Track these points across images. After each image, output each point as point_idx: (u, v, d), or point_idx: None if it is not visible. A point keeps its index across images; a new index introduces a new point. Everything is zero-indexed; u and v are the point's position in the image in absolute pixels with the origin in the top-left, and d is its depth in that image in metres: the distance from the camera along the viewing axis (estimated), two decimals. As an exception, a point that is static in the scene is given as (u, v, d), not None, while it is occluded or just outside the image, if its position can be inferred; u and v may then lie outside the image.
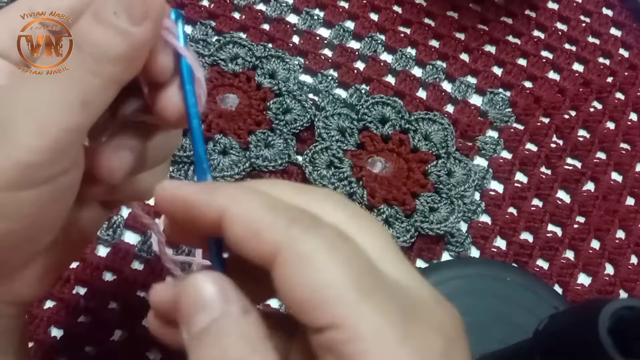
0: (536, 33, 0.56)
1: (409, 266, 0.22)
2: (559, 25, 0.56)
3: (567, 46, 0.55)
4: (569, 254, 0.47)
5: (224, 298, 0.20)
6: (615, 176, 0.50)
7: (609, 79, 0.54)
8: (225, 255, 0.23)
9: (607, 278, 0.46)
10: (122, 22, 0.21)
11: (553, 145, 0.50)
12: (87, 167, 0.24)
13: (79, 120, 0.21)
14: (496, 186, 0.48)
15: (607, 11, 0.57)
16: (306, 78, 0.51)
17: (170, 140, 0.28)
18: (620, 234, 0.48)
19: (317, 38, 0.52)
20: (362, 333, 0.19)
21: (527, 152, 0.50)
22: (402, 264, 0.22)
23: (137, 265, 0.42)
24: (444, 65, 0.53)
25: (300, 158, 0.46)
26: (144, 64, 0.23)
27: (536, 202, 0.48)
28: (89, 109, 0.22)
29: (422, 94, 0.51)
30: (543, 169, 0.49)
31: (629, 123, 0.52)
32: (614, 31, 0.56)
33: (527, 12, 0.56)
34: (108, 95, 0.22)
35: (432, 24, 0.54)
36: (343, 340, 0.19)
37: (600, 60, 0.55)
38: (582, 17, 0.57)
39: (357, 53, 0.52)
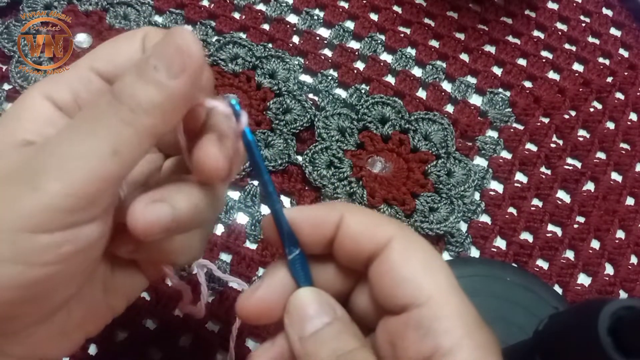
0: (536, 33, 0.56)
1: None
2: (559, 25, 0.56)
3: (566, 46, 0.55)
4: (569, 254, 0.47)
5: (331, 306, 0.25)
6: (615, 176, 0.50)
7: (609, 79, 0.54)
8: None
9: (607, 278, 0.46)
10: (160, 76, 0.22)
11: (553, 145, 0.50)
12: (121, 219, 0.24)
13: (109, 169, 0.22)
14: (496, 186, 0.48)
15: (607, 11, 0.57)
16: (306, 78, 0.51)
17: (214, 202, 0.27)
18: (620, 234, 0.48)
19: (317, 38, 0.52)
20: (451, 313, 0.23)
21: (526, 152, 0.50)
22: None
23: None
24: (444, 65, 0.53)
25: (300, 158, 0.46)
26: (182, 118, 0.24)
27: (536, 202, 0.48)
28: (121, 159, 0.22)
29: (422, 94, 0.51)
30: (543, 169, 0.49)
31: (629, 123, 0.52)
32: (613, 31, 0.57)
33: (526, 12, 0.56)
34: (142, 147, 0.23)
35: (432, 24, 0.54)
36: (432, 316, 0.23)
37: (600, 60, 0.55)
38: (581, 17, 0.57)
39: (357, 53, 0.52)
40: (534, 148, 0.50)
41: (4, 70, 0.47)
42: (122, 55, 0.25)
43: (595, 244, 0.47)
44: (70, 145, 0.22)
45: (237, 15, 0.53)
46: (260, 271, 0.43)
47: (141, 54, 0.25)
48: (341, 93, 0.50)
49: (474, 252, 0.46)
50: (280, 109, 0.48)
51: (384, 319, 0.25)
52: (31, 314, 0.24)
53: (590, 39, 0.56)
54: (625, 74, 0.54)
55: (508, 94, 0.52)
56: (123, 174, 0.23)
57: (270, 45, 0.51)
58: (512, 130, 0.50)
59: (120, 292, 0.28)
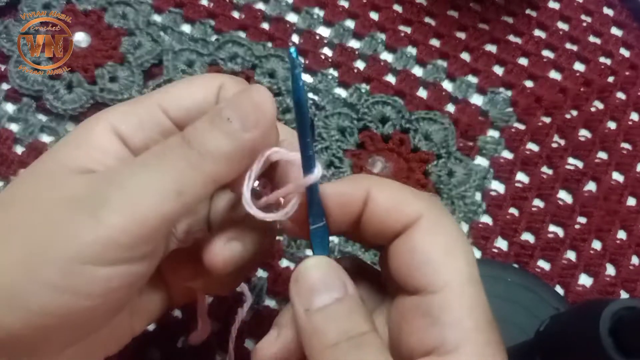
0: (537, 32, 0.55)
1: None
2: (560, 25, 0.56)
3: (568, 46, 0.55)
4: (570, 255, 0.47)
5: (342, 281, 0.24)
6: (617, 176, 0.50)
7: (610, 79, 0.54)
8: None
9: (608, 279, 0.46)
10: (233, 127, 0.23)
11: (554, 145, 0.50)
12: (198, 254, 0.25)
13: (171, 209, 0.23)
14: (497, 186, 0.48)
15: (607, 11, 0.57)
16: (306, 77, 0.51)
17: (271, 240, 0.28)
18: (622, 235, 0.48)
19: (317, 37, 0.52)
20: (462, 306, 0.22)
21: (528, 152, 0.49)
22: None
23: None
24: (445, 64, 0.52)
25: (300, 158, 0.46)
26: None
27: (537, 202, 0.48)
28: (183, 200, 0.23)
29: (422, 93, 0.51)
30: (544, 169, 0.49)
31: (630, 123, 0.52)
32: (614, 31, 0.56)
33: (527, 11, 0.56)
34: (204, 191, 0.23)
35: (433, 23, 0.54)
36: (443, 306, 0.22)
37: (602, 60, 0.55)
38: (583, 17, 0.56)
39: (357, 52, 0.52)
40: (535, 148, 0.50)
41: (3, 70, 0.47)
42: (195, 100, 0.26)
43: (596, 245, 0.47)
44: (136, 180, 0.22)
45: (236, 14, 0.53)
46: (260, 272, 0.43)
47: (215, 102, 0.26)
48: (341, 92, 0.50)
49: (475, 253, 0.46)
50: (280, 109, 0.47)
51: (395, 298, 0.24)
52: (64, 340, 0.24)
53: (592, 39, 0.56)
54: (627, 73, 0.54)
55: (509, 93, 0.52)
56: (181, 215, 0.23)
57: (269, 44, 0.51)
58: (513, 130, 0.50)
59: (144, 315, 0.29)
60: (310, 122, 0.24)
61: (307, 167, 0.24)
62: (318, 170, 0.24)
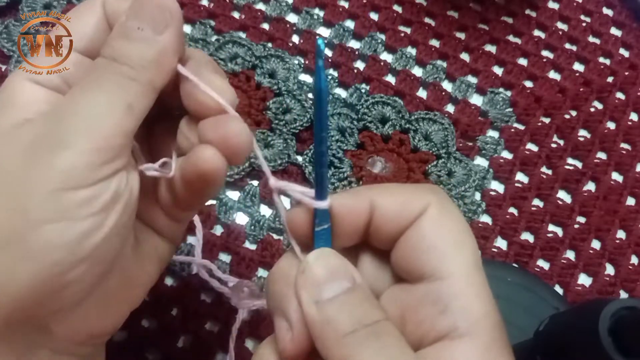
0: (537, 33, 0.55)
1: None
2: (560, 25, 0.56)
3: (567, 46, 0.55)
4: (570, 254, 0.47)
5: (350, 272, 0.23)
6: (616, 176, 0.50)
7: (610, 79, 0.54)
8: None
9: (608, 278, 0.46)
10: (147, 34, 0.25)
11: (554, 145, 0.50)
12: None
13: (128, 123, 0.24)
14: (497, 186, 0.48)
15: (607, 11, 0.57)
16: (306, 78, 0.51)
17: None
18: (621, 234, 0.48)
19: (317, 37, 0.52)
20: (472, 292, 0.23)
21: (527, 152, 0.50)
22: None
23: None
24: (445, 64, 0.53)
25: (300, 158, 0.46)
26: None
27: (537, 202, 0.48)
28: (134, 112, 0.24)
29: (422, 93, 0.51)
30: (544, 169, 0.49)
31: (630, 123, 0.52)
32: (614, 31, 0.56)
33: (527, 11, 0.56)
34: (148, 99, 0.25)
35: (433, 23, 0.54)
36: (453, 293, 0.22)
37: (601, 60, 0.55)
38: (582, 17, 0.56)
39: (357, 52, 0.52)
40: (534, 148, 0.50)
41: (3, 70, 0.47)
42: (90, 27, 0.27)
43: (596, 244, 0.47)
44: (85, 106, 0.23)
45: (236, 15, 0.53)
46: (260, 271, 0.43)
47: (104, 21, 0.27)
48: (341, 93, 0.50)
49: (475, 252, 0.46)
50: (280, 109, 0.47)
51: (392, 288, 0.25)
52: (78, 284, 0.23)
53: (591, 39, 0.56)
54: (626, 73, 0.54)
55: (509, 93, 0.52)
56: (136, 126, 0.24)
57: (269, 44, 0.51)
58: (512, 130, 0.50)
59: (152, 258, 0.29)
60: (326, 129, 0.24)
61: (320, 195, 0.24)
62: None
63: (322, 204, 0.24)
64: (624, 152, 0.51)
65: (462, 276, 0.23)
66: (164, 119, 0.29)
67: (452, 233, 0.24)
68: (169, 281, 0.42)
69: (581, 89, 0.53)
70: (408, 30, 0.54)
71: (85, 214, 0.23)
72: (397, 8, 0.55)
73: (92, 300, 0.25)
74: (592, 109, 0.52)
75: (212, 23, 0.52)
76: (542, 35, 0.55)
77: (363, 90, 0.50)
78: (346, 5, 0.54)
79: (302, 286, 0.23)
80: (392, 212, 0.24)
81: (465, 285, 0.23)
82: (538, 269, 0.46)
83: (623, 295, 0.46)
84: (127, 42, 0.25)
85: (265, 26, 0.53)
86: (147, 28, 0.25)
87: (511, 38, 0.55)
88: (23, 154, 0.23)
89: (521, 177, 0.49)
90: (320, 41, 0.22)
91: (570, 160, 0.50)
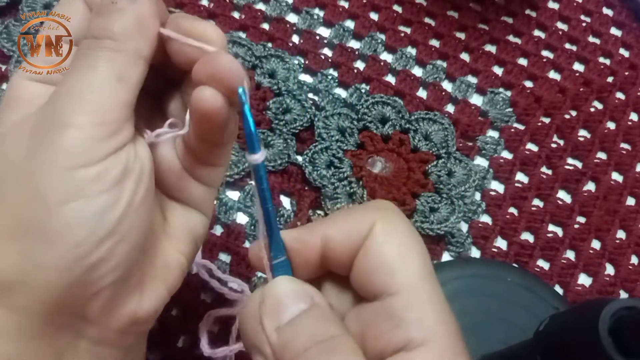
0: (537, 33, 0.55)
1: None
2: (560, 25, 0.56)
3: (567, 46, 0.55)
4: (570, 254, 0.47)
5: (308, 293, 0.24)
6: (616, 176, 0.50)
7: (610, 79, 0.54)
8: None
9: (608, 278, 0.46)
10: (121, 4, 0.25)
11: (554, 145, 0.50)
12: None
13: (120, 94, 0.24)
14: (497, 186, 0.48)
15: (607, 11, 0.57)
16: (306, 78, 0.51)
17: None
18: (621, 234, 0.48)
19: (317, 37, 0.52)
20: (422, 302, 0.23)
21: (527, 152, 0.50)
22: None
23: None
24: (445, 64, 0.53)
25: (300, 158, 0.46)
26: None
27: (537, 202, 0.48)
28: (127, 84, 0.24)
29: (422, 93, 0.51)
30: (544, 169, 0.49)
31: (630, 123, 0.52)
32: (614, 31, 0.56)
33: (527, 11, 0.56)
34: (138, 68, 0.25)
35: (433, 23, 0.54)
36: (404, 306, 0.23)
37: (601, 60, 0.55)
38: (582, 17, 0.56)
39: (357, 52, 0.52)
40: (534, 148, 0.50)
41: (3, 70, 0.47)
42: (76, 21, 0.27)
43: (595, 244, 0.47)
44: (80, 84, 0.24)
45: (236, 15, 0.53)
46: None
47: (88, 12, 0.27)
48: (341, 93, 0.50)
49: (475, 253, 0.46)
50: (280, 109, 0.47)
51: (355, 308, 0.25)
52: (108, 258, 0.24)
53: (591, 39, 0.56)
54: (626, 73, 0.54)
55: (509, 93, 0.52)
56: (133, 97, 0.25)
57: (269, 44, 0.51)
58: (512, 130, 0.50)
59: (181, 235, 0.29)
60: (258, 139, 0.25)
61: (253, 148, 0.24)
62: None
63: (255, 157, 0.24)
64: (623, 152, 0.51)
65: (412, 288, 0.23)
66: (170, 92, 0.30)
67: (396, 248, 0.24)
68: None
69: (581, 89, 0.53)
70: (408, 30, 0.54)
71: (99, 190, 0.23)
72: (397, 8, 0.55)
73: (128, 282, 0.25)
74: (592, 109, 0.52)
75: (212, 23, 0.52)
76: (542, 35, 0.55)
77: (363, 90, 0.50)
78: (346, 5, 0.54)
79: (264, 314, 0.24)
80: (342, 240, 0.25)
81: (416, 296, 0.23)
82: (538, 269, 0.46)
83: (623, 295, 0.46)
84: (105, 17, 0.25)
85: (265, 26, 0.53)
86: (120, 0, 0.25)
87: (511, 38, 0.55)
88: (27, 142, 0.23)
89: (521, 177, 0.49)
90: (241, 90, 0.24)
91: (570, 160, 0.50)
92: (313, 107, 0.48)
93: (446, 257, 0.45)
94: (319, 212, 0.45)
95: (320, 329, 0.23)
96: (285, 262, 0.25)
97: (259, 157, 0.24)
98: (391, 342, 0.23)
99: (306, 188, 0.46)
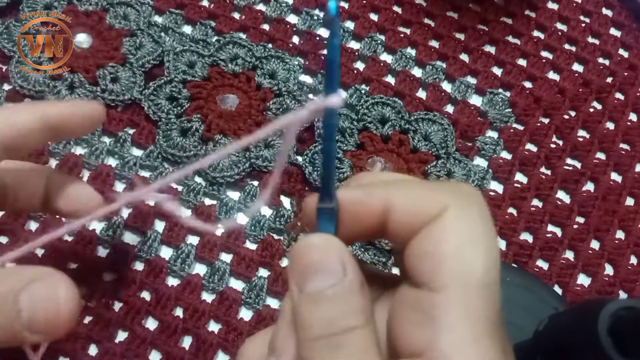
0: (536, 33, 0.56)
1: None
2: (559, 26, 0.56)
3: (566, 46, 0.55)
4: (569, 255, 0.47)
5: (344, 266, 0.21)
6: (615, 176, 0.50)
7: (609, 80, 0.54)
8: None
9: (607, 278, 0.46)
10: (22, 323, 0.25)
11: (553, 146, 0.50)
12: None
13: None
14: (496, 186, 0.48)
15: (606, 11, 0.57)
16: (306, 78, 0.51)
17: None
18: (620, 234, 0.48)
19: (317, 38, 0.52)
20: (462, 312, 0.20)
21: (526, 153, 0.50)
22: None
23: (137, 266, 0.42)
24: (444, 65, 0.53)
25: (300, 158, 0.46)
26: None
27: (536, 202, 0.48)
28: None
29: (421, 94, 0.51)
30: (543, 170, 0.49)
31: (629, 123, 0.52)
32: (613, 31, 0.57)
33: (526, 12, 0.56)
34: None
35: (432, 24, 0.54)
36: (440, 307, 0.20)
37: (600, 60, 0.55)
38: (581, 18, 0.57)
39: (356, 53, 0.52)
40: (533, 148, 0.50)
41: (3, 70, 0.47)
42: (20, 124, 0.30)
43: (595, 244, 0.47)
44: None
45: (236, 16, 0.53)
46: (261, 271, 0.43)
47: (39, 123, 0.30)
48: (341, 93, 0.50)
49: (474, 253, 0.46)
50: (280, 109, 0.48)
51: (402, 286, 0.22)
52: None
53: (590, 39, 0.56)
54: (625, 74, 0.54)
55: (508, 94, 0.52)
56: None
57: (270, 45, 0.51)
58: (512, 130, 0.50)
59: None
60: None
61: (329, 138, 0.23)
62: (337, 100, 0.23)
63: (334, 99, 0.22)
64: (623, 152, 0.51)
65: (457, 291, 0.20)
66: None
67: (460, 242, 0.21)
68: (169, 281, 0.42)
69: (580, 90, 0.53)
70: (408, 31, 0.54)
71: None
72: (397, 9, 0.55)
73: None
74: (591, 110, 0.52)
75: (213, 24, 0.52)
76: (542, 35, 0.55)
77: (363, 91, 0.50)
78: (346, 6, 0.54)
79: (291, 271, 0.22)
80: (407, 214, 0.22)
81: (458, 302, 0.20)
82: (537, 269, 0.46)
83: (622, 295, 0.46)
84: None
85: (266, 27, 0.53)
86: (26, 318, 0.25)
87: (510, 39, 0.55)
88: None
89: (520, 178, 0.49)
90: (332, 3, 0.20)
91: (569, 161, 0.50)
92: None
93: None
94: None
95: (339, 317, 0.21)
96: (332, 211, 0.22)
97: (337, 99, 0.22)
98: (412, 336, 0.21)
99: (306, 188, 0.46)
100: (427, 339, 0.20)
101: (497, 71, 0.53)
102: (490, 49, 0.54)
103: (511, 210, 0.48)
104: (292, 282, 0.22)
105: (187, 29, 0.52)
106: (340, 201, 0.23)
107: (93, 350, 0.40)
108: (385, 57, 0.53)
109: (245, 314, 0.42)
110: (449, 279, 0.20)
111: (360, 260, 0.26)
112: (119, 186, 0.45)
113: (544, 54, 0.55)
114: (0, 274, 0.27)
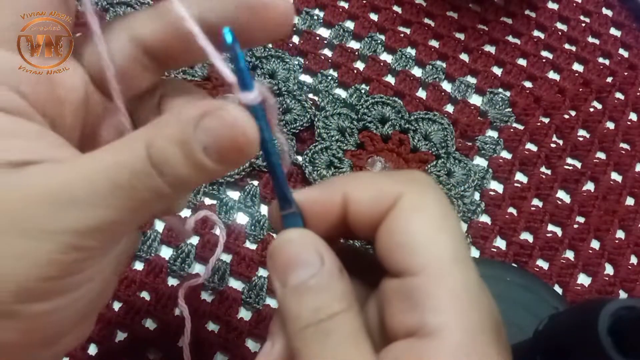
0: (536, 33, 0.56)
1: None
2: (559, 25, 0.56)
3: (566, 46, 0.55)
4: (569, 254, 0.47)
5: (320, 256, 0.22)
6: (615, 176, 0.50)
7: (609, 79, 0.54)
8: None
9: (607, 278, 0.46)
10: (207, 161, 0.20)
11: (553, 145, 0.50)
12: None
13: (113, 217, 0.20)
14: (496, 186, 0.48)
15: (606, 11, 0.57)
16: (306, 78, 0.51)
17: None
18: (620, 234, 0.48)
19: (317, 38, 0.52)
20: (444, 288, 0.21)
21: (526, 152, 0.50)
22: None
23: (137, 266, 0.42)
24: (444, 65, 0.53)
25: (300, 158, 0.46)
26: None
27: (536, 202, 0.48)
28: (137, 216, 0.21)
29: (421, 94, 0.51)
30: (543, 169, 0.49)
31: (629, 123, 0.52)
32: (613, 31, 0.57)
33: (526, 12, 0.56)
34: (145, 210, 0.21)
35: (432, 24, 0.54)
36: (424, 289, 0.21)
37: (600, 60, 0.55)
38: (581, 17, 0.57)
39: (357, 53, 0.52)
40: (534, 148, 0.50)
41: (3, 70, 0.47)
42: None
43: (595, 244, 0.47)
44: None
45: (237, 15, 0.53)
46: (261, 271, 0.43)
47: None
48: (341, 93, 0.50)
49: (474, 252, 0.46)
50: (280, 109, 0.48)
51: (384, 279, 0.23)
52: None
53: (590, 39, 0.56)
54: (625, 74, 0.54)
55: (508, 94, 0.52)
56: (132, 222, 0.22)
57: (270, 45, 0.51)
58: (512, 130, 0.50)
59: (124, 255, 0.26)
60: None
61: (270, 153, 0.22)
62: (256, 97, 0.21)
63: (250, 96, 0.21)
64: (623, 152, 0.51)
65: (435, 271, 0.21)
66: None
67: (422, 226, 0.22)
68: (169, 281, 0.42)
69: (580, 89, 0.53)
70: (407, 31, 0.54)
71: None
72: (397, 9, 0.55)
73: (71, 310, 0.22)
74: (592, 109, 0.52)
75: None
76: (542, 35, 0.55)
77: (363, 91, 0.50)
78: (346, 5, 0.54)
79: (272, 268, 0.23)
80: (364, 205, 0.23)
81: (437, 281, 0.21)
82: (537, 269, 0.46)
83: (622, 295, 0.46)
84: (183, 159, 0.20)
85: (265, 26, 0.53)
86: (213, 154, 0.20)
87: (510, 38, 0.55)
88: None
89: (520, 177, 0.49)
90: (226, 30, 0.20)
91: (569, 160, 0.50)
92: (313, 108, 0.48)
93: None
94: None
95: (324, 304, 0.21)
96: (295, 214, 0.23)
97: (253, 96, 0.20)
98: (404, 324, 0.21)
99: (306, 188, 0.46)
100: (416, 321, 0.21)
101: (497, 71, 0.53)
102: (490, 48, 0.54)
103: (511, 210, 0.48)
104: (274, 279, 0.22)
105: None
106: (300, 203, 0.23)
107: (93, 350, 0.40)
108: (385, 57, 0.53)
109: (245, 314, 0.42)
110: (424, 262, 0.21)
111: (347, 245, 0.27)
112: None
113: (544, 53, 0.55)
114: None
